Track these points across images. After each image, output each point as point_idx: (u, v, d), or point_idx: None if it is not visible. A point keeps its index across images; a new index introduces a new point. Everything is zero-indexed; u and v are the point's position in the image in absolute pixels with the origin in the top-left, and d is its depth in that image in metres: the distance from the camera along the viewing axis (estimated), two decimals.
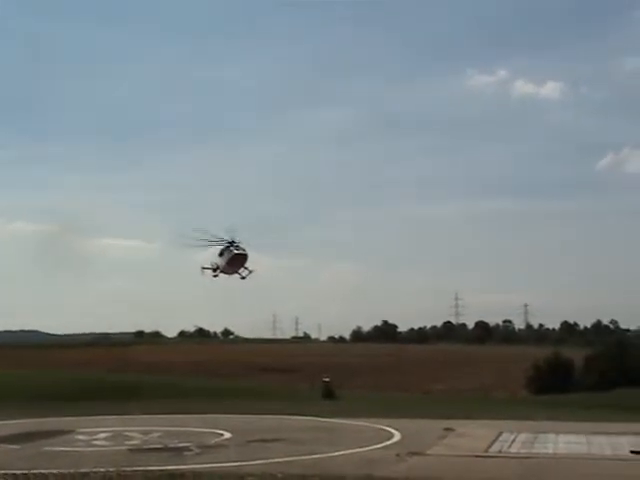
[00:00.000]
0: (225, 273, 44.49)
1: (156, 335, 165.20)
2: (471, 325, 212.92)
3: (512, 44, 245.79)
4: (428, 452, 26.92)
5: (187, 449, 28.16)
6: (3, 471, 22.72)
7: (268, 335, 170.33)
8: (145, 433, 32.79)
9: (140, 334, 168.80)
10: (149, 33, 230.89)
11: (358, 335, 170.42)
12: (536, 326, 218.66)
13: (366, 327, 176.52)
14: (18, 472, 22.40)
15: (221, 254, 40.86)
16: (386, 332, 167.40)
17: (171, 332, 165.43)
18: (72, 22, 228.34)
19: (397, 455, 25.92)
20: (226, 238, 40.04)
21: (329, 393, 50.98)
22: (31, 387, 51.81)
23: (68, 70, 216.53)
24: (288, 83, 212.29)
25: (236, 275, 43.17)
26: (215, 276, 46.56)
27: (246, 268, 41.63)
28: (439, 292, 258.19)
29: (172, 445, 29.28)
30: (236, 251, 40.49)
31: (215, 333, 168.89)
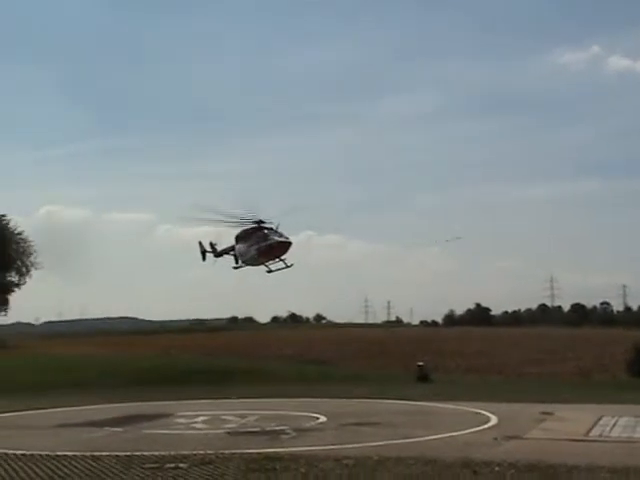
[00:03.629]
0: (247, 262, 37.71)
1: (249, 320, 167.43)
2: (567, 308, 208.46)
3: (604, 19, 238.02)
4: (526, 436, 26.50)
5: (283, 432, 28.46)
6: (107, 453, 23.41)
7: (360, 319, 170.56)
8: (242, 417, 33.30)
9: (234, 320, 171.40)
10: (226, 21, 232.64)
11: (451, 319, 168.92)
12: (635, 308, 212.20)
13: (459, 311, 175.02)
14: (121, 454, 23.03)
15: (246, 238, 36.72)
16: (479, 315, 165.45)
17: (264, 317, 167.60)
18: (152, 14, 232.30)
19: (494, 439, 25.60)
20: (252, 218, 36.00)
21: (423, 376, 50.74)
22: (130, 371, 53.24)
23: (149, 60, 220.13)
24: (369, 67, 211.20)
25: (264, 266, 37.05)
26: (216, 256, 39.16)
27: (283, 261, 36.53)
28: (533, 274, 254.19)
29: (269, 428, 29.63)
30: (279, 238, 36.70)
31: (307, 318, 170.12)
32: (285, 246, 35.67)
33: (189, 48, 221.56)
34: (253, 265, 37.29)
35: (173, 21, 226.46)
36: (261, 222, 36.12)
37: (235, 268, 38.44)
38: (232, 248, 38.89)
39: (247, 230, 36.70)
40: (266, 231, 35.86)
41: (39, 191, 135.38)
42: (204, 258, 39.92)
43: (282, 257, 36.13)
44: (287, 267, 36.44)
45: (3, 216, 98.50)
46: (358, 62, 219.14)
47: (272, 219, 35.97)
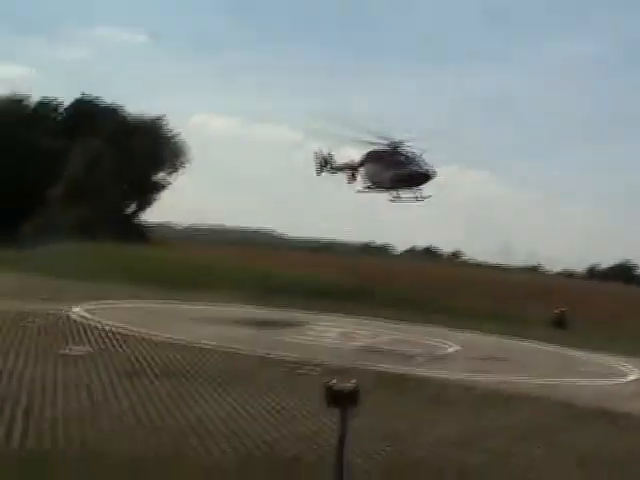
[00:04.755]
0: (377, 186, 35.10)
1: (383, 249, 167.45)
2: None
3: None
4: None
5: (417, 356, 28.50)
6: (245, 351, 24.17)
7: (498, 261, 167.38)
8: (374, 336, 33.57)
9: (367, 246, 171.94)
10: None
11: (593, 272, 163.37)
12: None
13: (603, 265, 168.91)
14: (256, 354, 23.76)
15: (380, 160, 34.24)
16: (623, 272, 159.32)
17: (399, 248, 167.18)
18: None
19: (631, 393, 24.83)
20: (390, 140, 33.55)
21: (560, 323, 49.47)
22: (266, 281, 54.02)
23: None
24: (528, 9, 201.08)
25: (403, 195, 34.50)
26: (333, 171, 36.62)
27: (418, 192, 33.53)
28: None
29: (402, 350, 29.75)
30: (421, 168, 33.35)
31: (443, 254, 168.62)
32: (427, 176, 33.10)
33: None
34: (382, 190, 34.62)
35: None
36: (398, 146, 33.50)
37: (359, 191, 35.70)
38: (355, 167, 36.41)
39: (383, 152, 34.15)
40: (408, 156, 33.43)
41: (192, 99, 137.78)
42: (320, 171, 37.75)
43: (419, 187, 33.48)
44: (420, 200, 33.72)
45: (161, 118, 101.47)
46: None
47: (412, 144, 33.58)
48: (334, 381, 12.36)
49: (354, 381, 12.13)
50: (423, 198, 33.41)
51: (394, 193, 35.21)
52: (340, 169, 37.85)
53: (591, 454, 16.05)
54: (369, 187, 36.28)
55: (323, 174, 38.17)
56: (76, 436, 13.71)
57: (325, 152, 37.11)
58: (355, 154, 36.44)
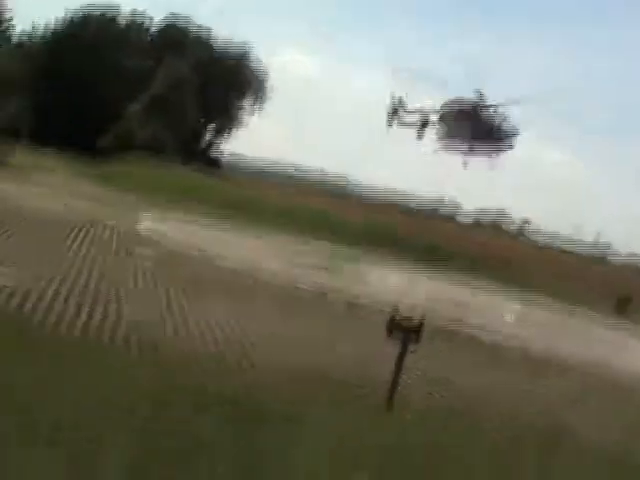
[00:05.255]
0: (449, 146, 35.53)
1: (454, 208, 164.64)
2: None
3: None
4: None
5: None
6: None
7: (565, 239, 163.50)
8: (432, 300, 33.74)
9: (440, 202, 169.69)
10: None
11: None
12: None
13: None
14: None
15: (458, 118, 34.42)
16: None
17: (468, 208, 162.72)
18: None
19: None
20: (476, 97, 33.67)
21: (622, 308, 48.66)
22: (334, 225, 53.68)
23: None
24: None
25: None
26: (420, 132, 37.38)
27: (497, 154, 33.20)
28: None
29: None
30: (505, 136, 31.85)
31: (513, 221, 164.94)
32: (509, 136, 32.43)
33: None
34: (455, 151, 34.13)
35: None
36: (482, 103, 32.66)
37: (436, 150, 35.00)
38: (427, 120, 34.94)
39: (465, 105, 33.27)
40: (492, 113, 32.42)
41: (278, 31, 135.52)
42: (391, 121, 36.01)
43: (498, 148, 32.99)
44: (494, 164, 32.90)
45: (247, 50, 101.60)
46: None
47: (498, 104, 32.16)
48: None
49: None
50: (498, 158, 33.08)
51: (469, 153, 34.11)
52: (412, 120, 36.54)
53: None
54: (445, 142, 34.96)
55: (394, 125, 36.83)
56: None
57: (400, 98, 36.62)
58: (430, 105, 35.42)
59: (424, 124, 35.78)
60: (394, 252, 45.04)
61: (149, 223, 32.33)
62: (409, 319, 12.61)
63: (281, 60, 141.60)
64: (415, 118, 35.90)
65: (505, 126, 32.01)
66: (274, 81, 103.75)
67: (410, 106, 35.85)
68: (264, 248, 35.71)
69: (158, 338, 14.19)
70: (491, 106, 32.48)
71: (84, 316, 14.90)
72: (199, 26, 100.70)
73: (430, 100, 35.55)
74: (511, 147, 32.63)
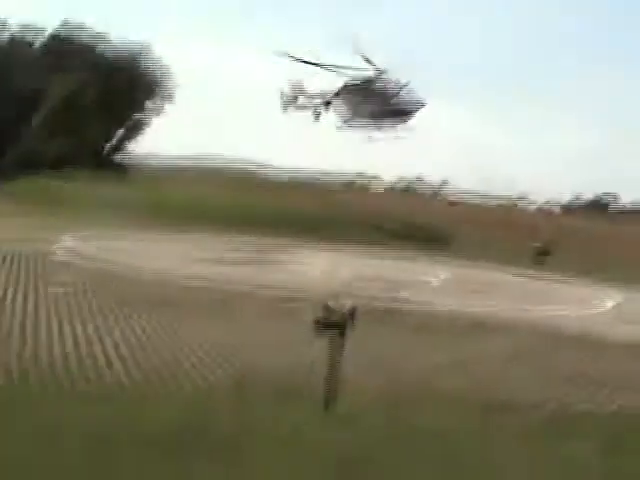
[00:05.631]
0: (354, 123, 36.21)
1: (374, 180, 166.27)
2: None
3: None
4: None
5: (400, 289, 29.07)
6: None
7: (481, 193, 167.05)
8: (356, 269, 34.07)
9: (352, 181, 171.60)
10: None
11: (569, 208, 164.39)
12: None
13: (580, 199, 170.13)
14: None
15: (356, 93, 34.90)
16: (600, 206, 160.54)
17: (382, 182, 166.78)
18: None
19: (611, 320, 25.55)
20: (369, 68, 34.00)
21: (539, 257, 49.97)
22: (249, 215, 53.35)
23: None
24: None
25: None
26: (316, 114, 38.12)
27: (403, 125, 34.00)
28: None
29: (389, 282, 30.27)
30: (410, 102, 32.56)
31: (431, 185, 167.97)
32: (416, 108, 33.07)
33: None
34: (364, 124, 34.44)
35: None
36: (378, 75, 33.07)
37: (339, 128, 35.37)
38: (327, 101, 35.22)
39: (361, 82, 33.62)
40: (391, 87, 33.03)
41: (177, 25, 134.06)
42: (287, 106, 36.06)
43: (404, 120, 33.63)
44: (401, 138, 33.82)
45: (145, 47, 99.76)
46: None
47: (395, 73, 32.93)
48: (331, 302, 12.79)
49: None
50: (405, 134, 33.57)
51: (375, 129, 34.32)
52: (314, 100, 36.55)
53: None
54: (348, 122, 34.91)
55: (291, 108, 36.79)
56: None
57: (295, 83, 36.45)
58: (326, 85, 35.88)
59: (324, 104, 36.36)
60: (315, 235, 45.16)
61: (60, 242, 31.63)
62: (336, 312, 12.66)
63: (182, 52, 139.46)
64: (313, 101, 36.42)
65: (408, 98, 32.84)
66: (178, 76, 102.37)
67: (308, 89, 36.45)
68: (183, 250, 35.42)
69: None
70: (391, 81, 33.49)
71: None
72: (93, 31, 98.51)
73: (327, 81, 36.50)
74: (416, 110, 33.67)
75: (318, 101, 35.49)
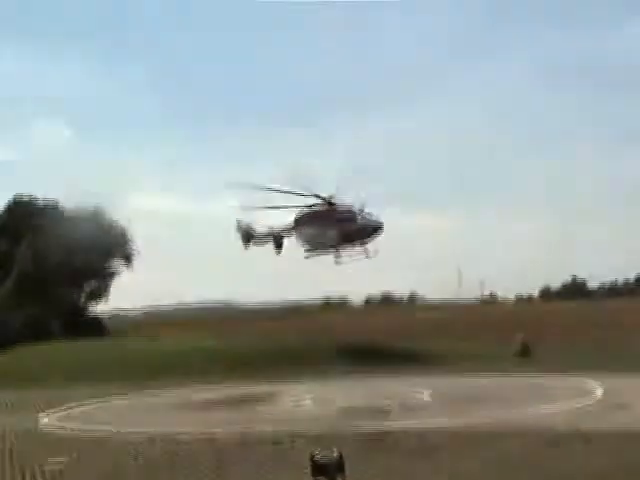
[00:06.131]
0: (318, 248, 33.76)
1: (342, 302, 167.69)
2: None
3: None
4: (635, 405, 26.39)
5: (389, 408, 28.87)
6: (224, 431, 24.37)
7: (452, 296, 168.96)
8: (348, 394, 33.86)
9: (327, 302, 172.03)
10: None
11: (547, 293, 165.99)
12: None
13: (554, 284, 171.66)
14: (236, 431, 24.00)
15: (316, 220, 32.35)
16: (576, 288, 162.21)
17: (357, 299, 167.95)
18: None
19: (601, 409, 25.59)
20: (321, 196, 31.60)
21: (525, 351, 50.24)
22: (229, 355, 53.39)
23: None
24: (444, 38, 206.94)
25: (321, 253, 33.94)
26: (277, 247, 35.21)
27: (366, 247, 31.79)
28: (630, 244, 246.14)
29: (377, 404, 30.07)
30: (371, 220, 30.97)
31: (401, 297, 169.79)
32: (377, 229, 32.54)
33: None
34: (326, 251, 33.81)
35: None
36: (331, 200, 32.15)
37: (306, 256, 34.72)
38: (282, 235, 35.46)
39: (318, 210, 32.86)
40: (348, 210, 32.22)
41: (129, 181, 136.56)
42: (247, 244, 36.25)
43: (367, 243, 32.83)
44: (370, 257, 32.63)
45: (104, 207, 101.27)
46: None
47: (341, 197, 31.98)
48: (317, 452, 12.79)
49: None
50: (373, 253, 33.20)
51: (340, 252, 33.75)
52: (267, 238, 36.27)
53: None
54: (312, 249, 34.58)
55: (250, 245, 36.78)
56: None
57: (245, 223, 36.42)
58: (279, 220, 35.65)
59: (279, 239, 36.14)
60: (292, 367, 44.83)
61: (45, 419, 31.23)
62: (327, 455, 12.68)
63: (140, 204, 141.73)
64: (268, 236, 36.25)
65: (366, 221, 32.54)
66: (138, 227, 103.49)
67: (261, 225, 36.36)
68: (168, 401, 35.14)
69: None
70: (346, 205, 33.26)
71: None
72: (48, 199, 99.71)
73: (278, 214, 35.85)
74: (379, 230, 32.93)
75: (276, 234, 35.81)
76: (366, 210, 32.78)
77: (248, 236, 35.90)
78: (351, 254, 33.82)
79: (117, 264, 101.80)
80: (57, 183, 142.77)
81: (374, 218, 32.17)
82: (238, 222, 35.13)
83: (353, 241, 32.89)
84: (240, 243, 35.63)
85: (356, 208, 32.92)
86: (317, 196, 32.99)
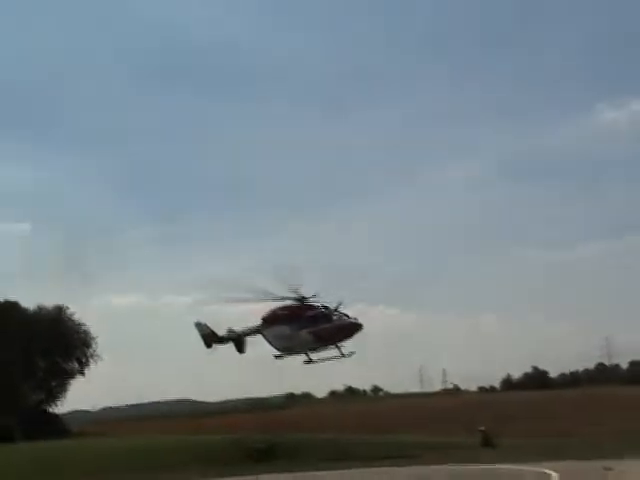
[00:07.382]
0: (291, 349, 31.96)
1: (306, 396, 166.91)
2: (625, 366, 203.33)
3: None
4: None
5: None
6: None
7: (416, 389, 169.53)
8: None
9: (291, 396, 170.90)
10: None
11: (508, 383, 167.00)
12: None
13: (516, 374, 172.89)
14: None
15: (287, 319, 31.44)
16: (537, 378, 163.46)
17: (321, 392, 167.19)
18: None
19: None
20: (293, 295, 30.87)
21: (487, 442, 50.87)
22: (190, 452, 52.97)
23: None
24: (407, 137, 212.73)
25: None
26: (238, 349, 34.21)
27: (339, 347, 30.11)
28: (588, 334, 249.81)
29: None
30: (349, 320, 29.98)
31: (365, 391, 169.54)
32: (355, 329, 30.51)
33: None
34: (299, 352, 32.49)
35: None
36: (304, 299, 30.92)
37: (277, 357, 33.47)
38: (245, 335, 34.69)
39: (289, 309, 31.65)
40: (322, 310, 30.90)
41: (89, 281, 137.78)
42: (209, 344, 35.45)
43: (342, 343, 31.45)
44: (347, 356, 31.19)
45: (64, 307, 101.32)
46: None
47: (315, 295, 31.42)
48: None
49: None
50: (345, 355, 30.88)
51: (314, 352, 32.40)
52: (231, 338, 35.28)
53: None
54: (284, 352, 33.06)
55: (213, 346, 35.96)
56: None
57: (205, 325, 35.25)
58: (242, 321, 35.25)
59: (241, 341, 35.84)
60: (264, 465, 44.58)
61: None
62: None
63: (101, 300, 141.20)
64: (228, 340, 35.88)
65: (344, 319, 31.83)
66: (98, 326, 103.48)
67: (222, 327, 36.10)
68: None
69: None
70: (314, 303, 32.81)
71: None
72: (5, 300, 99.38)
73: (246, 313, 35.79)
74: (359, 328, 32.01)
75: (237, 338, 35.52)
76: (341, 308, 31.22)
77: (209, 338, 35.29)
78: (326, 356, 32.21)
79: (77, 363, 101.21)
80: (16, 283, 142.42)
81: (351, 317, 30.38)
82: (198, 325, 34.46)
83: (328, 342, 31.23)
84: (202, 342, 35.41)
85: (331, 306, 31.46)
86: (291, 297, 31.89)
